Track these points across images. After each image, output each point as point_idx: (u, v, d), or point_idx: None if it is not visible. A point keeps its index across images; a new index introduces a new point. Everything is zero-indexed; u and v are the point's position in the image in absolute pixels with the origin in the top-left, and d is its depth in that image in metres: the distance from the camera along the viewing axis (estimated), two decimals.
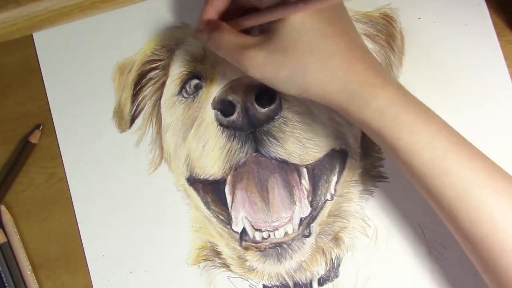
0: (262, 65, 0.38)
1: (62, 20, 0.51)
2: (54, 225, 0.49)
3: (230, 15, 0.42)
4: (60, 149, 0.49)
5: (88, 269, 0.48)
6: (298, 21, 0.37)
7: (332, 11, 0.38)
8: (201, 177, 0.47)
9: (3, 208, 0.49)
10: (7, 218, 0.49)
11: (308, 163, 0.45)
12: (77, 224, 0.48)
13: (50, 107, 0.50)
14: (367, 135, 0.39)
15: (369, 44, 0.47)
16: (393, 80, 0.38)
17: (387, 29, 0.48)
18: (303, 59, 0.37)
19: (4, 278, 0.48)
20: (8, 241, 0.48)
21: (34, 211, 0.49)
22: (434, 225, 0.45)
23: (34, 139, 0.49)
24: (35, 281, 0.48)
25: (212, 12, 0.42)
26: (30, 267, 0.48)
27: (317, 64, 0.37)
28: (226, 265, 0.47)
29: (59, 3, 0.50)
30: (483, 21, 0.47)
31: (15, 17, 0.51)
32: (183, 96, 0.48)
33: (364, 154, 0.47)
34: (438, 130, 0.37)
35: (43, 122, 0.50)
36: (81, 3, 0.50)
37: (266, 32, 0.38)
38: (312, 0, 0.34)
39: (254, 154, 0.45)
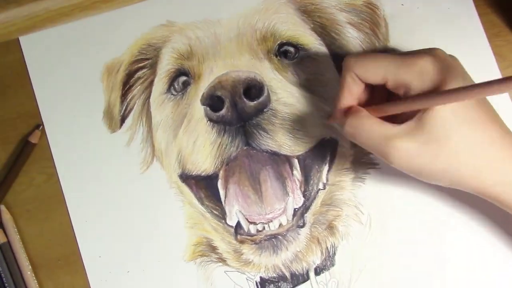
0: (412, 157, 0.36)
1: (62, 20, 0.51)
2: (54, 225, 0.49)
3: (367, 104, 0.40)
4: (52, 152, 0.49)
5: (85, 271, 0.48)
6: (449, 110, 0.35)
7: None
8: (193, 173, 0.47)
9: (3, 208, 0.49)
10: (7, 218, 0.48)
11: (299, 153, 0.46)
12: (67, 217, 0.48)
13: (40, 110, 0.50)
14: None
15: (354, 33, 0.48)
16: None
17: (371, 17, 0.48)
18: (458, 150, 0.35)
19: (4, 278, 0.47)
20: (8, 241, 0.48)
21: (34, 211, 0.49)
22: (427, 207, 0.46)
23: (34, 139, 0.49)
24: (35, 281, 0.48)
25: (350, 98, 0.40)
26: (30, 267, 0.48)
27: (473, 156, 0.35)
28: (222, 260, 0.47)
29: (59, 3, 0.51)
30: (466, 4, 0.47)
31: (15, 17, 0.51)
32: (172, 94, 0.48)
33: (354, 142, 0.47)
34: None
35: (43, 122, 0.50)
36: (81, 3, 0.50)
37: (410, 120, 0.36)
38: (470, 89, 0.32)
39: (245, 148, 0.45)
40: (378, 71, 0.37)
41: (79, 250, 0.48)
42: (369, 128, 0.37)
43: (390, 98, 0.39)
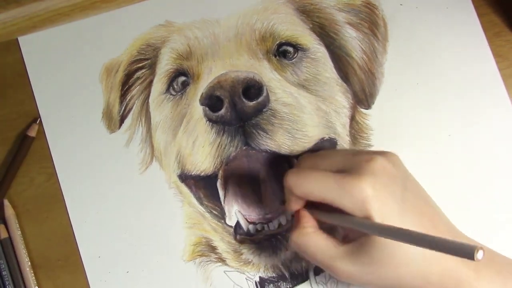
0: (354, 276, 0.37)
1: (63, 20, 0.51)
2: (54, 225, 0.49)
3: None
4: (51, 152, 0.49)
5: (85, 271, 0.48)
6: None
7: (416, 205, 0.38)
8: (192, 173, 0.47)
9: (6, 203, 0.49)
10: (10, 213, 0.48)
11: (298, 153, 0.46)
12: (67, 217, 0.48)
13: (39, 110, 0.50)
14: None
15: (353, 33, 0.48)
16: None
17: (370, 17, 0.48)
18: (401, 272, 0.36)
19: (3, 274, 0.47)
20: (10, 237, 0.48)
21: (34, 211, 0.49)
22: None
23: (32, 132, 0.49)
24: (33, 278, 0.48)
25: (297, 205, 0.41)
26: (29, 263, 0.48)
27: (417, 274, 0.36)
28: (222, 260, 0.47)
29: (59, 3, 0.51)
30: (464, 3, 0.47)
31: (15, 17, 0.51)
32: (171, 94, 0.48)
33: (353, 141, 0.47)
34: None
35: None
36: (81, 3, 0.51)
37: (352, 242, 0.37)
38: (407, 234, 0.32)
39: (244, 148, 0.45)
40: (319, 196, 0.38)
41: (78, 250, 0.48)
42: (314, 247, 0.39)
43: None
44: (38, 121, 0.49)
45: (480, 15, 0.48)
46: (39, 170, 0.49)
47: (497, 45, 0.48)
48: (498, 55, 0.48)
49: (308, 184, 0.39)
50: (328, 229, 0.40)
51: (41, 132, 0.50)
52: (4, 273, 0.48)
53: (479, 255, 0.26)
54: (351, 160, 0.39)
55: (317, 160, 0.41)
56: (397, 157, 0.40)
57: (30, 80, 0.50)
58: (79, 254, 0.48)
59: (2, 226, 0.48)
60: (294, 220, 0.41)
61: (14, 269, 0.48)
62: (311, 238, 0.39)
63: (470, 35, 0.48)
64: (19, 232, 0.48)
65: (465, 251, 0.27)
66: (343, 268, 0.37)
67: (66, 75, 0.50)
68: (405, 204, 0.37)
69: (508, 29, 0.48)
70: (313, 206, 0.40)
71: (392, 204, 0.36)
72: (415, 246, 0.32)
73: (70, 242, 0.48)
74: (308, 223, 0.40)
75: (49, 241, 0.49)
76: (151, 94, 0.49)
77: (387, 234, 0.34)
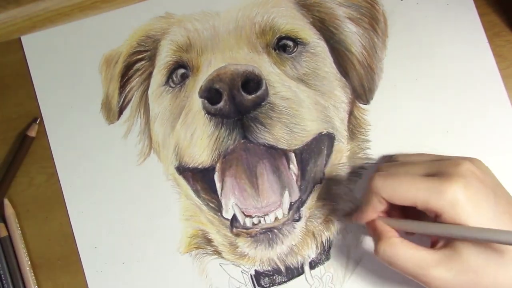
0: (449, 285, 0.36)
1: (62, 20, 0.51)
2: (54, 225, 0.49)
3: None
4: (50, 143, 0.49)
5: (81, 262, 0.48)
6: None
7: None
8: (190, 166, 0.47)
9: (6, 202, 0.49)
10: (10, 213, 0.49)
11: (296, 147, 0.45)
12: (67, 217, 0.48)
13: (39, 102, 0.50)
14: None
15: (353, 28, 0.48)
16: None
17: (370, 12, 0.48)
18: (497, 277, 0.35)
19: (1, 273, 0.48)
20: (10, 236, 0.48)
21: (34, 211, 0.49)
22: None
23: (31, 132, 0.49)
24: (33, 277, 0.48)
25: (373, 214, 0.40)
26: (29, 262, 0.48)
27: (509, 279, 0.35)
28: (217, 252, 0.48)
29: (59, 3, 0.51)
30: (465, 0, 0.47)
31: (15, 17, 0.51)
32: (170, 86, 0.48)
33: (351, 136, 0.47)
34: None
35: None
36: (81, 3, 0.51)
37: (445, 248, 0.37)
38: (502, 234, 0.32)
39: (242, 141, 0.45)
40: (407, 197, 0.37)
41: (77, 248, 0.48)
42: (404, 257, 0.37)
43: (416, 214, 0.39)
44: (38, 121, 0.50)
45: (480, 15, 0.48)
46: (39, 170, 0.50)
47: (497, 45, 0.48)
48: (498, 55, 0.48)
49: (397, 185, 0.38)
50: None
51: (41, 132, 0.50)
52: (2, 273, 0.48)
53: None
54: (437, 165, 0.39)
55: (400, 167, 0.41)
56: (483, 163, 0.40)
57: (32, 79, 0.50)
58: (77, 249, 0.48)
59: (2, 225, 0.48)
60: (373, 231, 0.40)
61: (14, 269, 0.48)
62: (400, 249, 0.37)
63: (470, 32, 0.48)
64: (19, 232, 0.49)
65: None
66: (438, 276, 0.36)
67: (67, 69, 0.50)
68: (498, 208, 0.36)
69: (508, 29, 0.48)
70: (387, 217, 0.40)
71: (486, 208, 0.36)
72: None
73: (70, 242, 0.48)
74: (391, 232, 0.39)
75: (49, 241, 0.49)
76: (150, 86, 0.49)
77: (480, 236, 0.33)
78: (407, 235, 0.39)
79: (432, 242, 0.39)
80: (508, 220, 0.36)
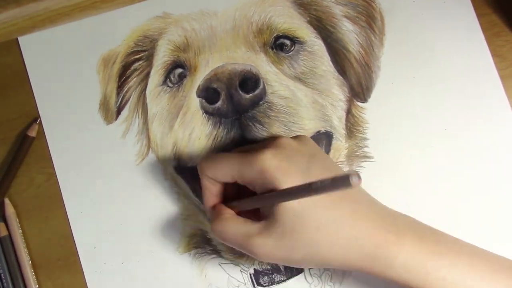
0: (272, 251, 0.38)
1: (62, 20, 0.51)
2: (54, 225, 0.49)
3: (232, 195, 0.43)
4: (48, 144, 0.49)
5: (80, 262, 0.48)
6: (295, 203, 0.36)
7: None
8: (189, 165, 0.47)
9: (7, 201, 0.49)
10: (11, 212, 0.49)
11: None
12: (67, 217, 0.49)
13: (38, 109, 0.50)
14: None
15: (350, 26, 0.48)
16: (404, 221, 0.38)
17: (366, 10, 0.48)
18: (313, 238, 0.37)
19: (1, 273, 0.48)
20: (10, 236, 0.48)
21: (34, 211, 0.49)
22: (419, 200, 0.46)
23: (32, 132, 0.49)
24: (34, 277, 0.48)
25: (213, 197, 0.42)
26: (30, 262, 0.48)
27: (328, 239, 0.37)
28: (217, 252, 0.48)
29: (59, 3, 0.51)
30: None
31: (15, 17, 0.51)
32: (168, 86, 0.48)
33: (349, 135, 0.47)
34: (467, 266, 0.36)
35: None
36: (81, 3, 0.51)
37: (267, 215, 0.38)
38: (309, 189, 0.33)
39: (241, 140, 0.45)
40: (226, 172, 0.40)
41: (74, 242, 0.48)
42: (232, 229, 0.39)
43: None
44: (38, 121, 0.50)
45: (479, 15, 0.48)
46: (39, 170, 0.49)
47: (496, 45, 0.48)
48: (497, 55, 0.48)
49: (217, 163, 0.40)
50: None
51: (41, 132, 0.50)
52: (1, 271, 0.48)
53: (354, 179, 0.27)
54: (261, 143, 0.41)
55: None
56: (308, 138, 0.42)
57: (30, 80, 0.50)
58: (76, 247, 0.48)
59: (2, 224, 0.48)
60: (213, 214, 0.42)
61: (14, 268, 0.48)
62: (229, 222, 0.40)
63: (467, 29, 0.48)
64: (20, 231, 0.49)
65: (342, 181, 0.28)
66: (261, 243, 0.38)
67: (65, 70, 0.50)
68: (310, 172, 0.37)
69: (508, 29, 0.48)
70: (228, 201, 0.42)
71: (295, 173, 0.37)
72: (326, 215, 0.36)
73: (70, 242, 0.48)
74: (226, 210, 0.41)
75: (49, 241, 0.49)
76: (148, 85, 0.49)
77: (284, 197, 0.35)
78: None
79: (261, 217, 0.40)
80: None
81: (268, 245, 0.37)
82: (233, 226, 0.39)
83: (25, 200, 0.49)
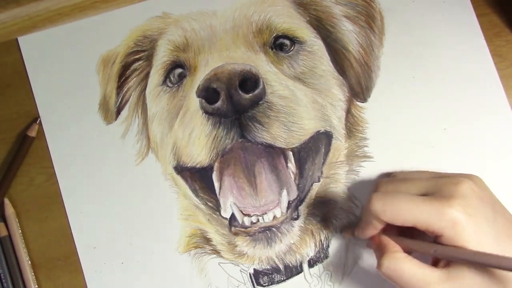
0: None
1: (62, 20, 0.51)
2: (54, 225, 0.49)
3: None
4: (48, 144, 0.49)
5: (80, 262, 0.48)
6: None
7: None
8: (188, 165, 0.47)
9: (7, 201, 0.49)
10: (10, 212, 0.49)
11: (294, 146, 0.45)
12: (67, 217, 0.49)
13: (37, 103, 0.50)
14: None
15: (349, 26, 0.48)
16: None
17: (366, 10, 0.48)
18: None
19: (1, 274, 0.48)
20: (10, 236, 0.49)
21: (34, 211, 0.49)
22: None
23: (32, 132, 0.49)
24: (34, 277, 0.48)
25: (374, 231, 0.40)
26: (29, 262, 0.48)
27: None
28: (216, 252, 0.48)
29: (59, 3, 0.51)
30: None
31: (15, 17, 0.51)
32: (168, 86, 0.48)
33: (349, 135, 0.47)
34: None
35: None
36: (81, 3, 0.51)
37: (448, 267, 0.37)
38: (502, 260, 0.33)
39: (240, 140, 0.45)
40: (408, 219, 0.37)
41: (74, 242, 0.48)
42: (409, 272, 0.37)
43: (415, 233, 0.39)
44: (38, 121, 0.50)
45: (479, 15, 0.48)
46: (39, 170, 0.50)
47: (496, 45, 0.48)
48: (497, 55, 0.48)
49: (397, 208, 0.38)
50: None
51: (41, 132, 0.50)
52: (1, 271, 0.48)
53: None
54: (436, 183, 0.39)
55: (399, 185, 0.41)
56: (482, 180, 0.40)
57: (30, 80, 0.50)
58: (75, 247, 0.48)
59: (2, 224, 0.48)
60: (377, 246, 0.40)
61: (14, 268, 0.48)
62: (405, 264, 0.38)
63: (466, 29, 0.48)
64: (20, 231, 0.49)
65: None
66: None
67: (64, 70, 0.50)
68: (498, 226, 0.37)
69: (508, 29, 0.48)
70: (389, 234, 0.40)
71: (486, 228, 0.36)
72: None
73: (69, 242, 0.48)
74: (396, 247, 0.39)
75: (49, 241, 0.49)
76: (148, 86, 0.49)
77: (482, 261, 0.34)
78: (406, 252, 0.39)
79: (433, 260, 0.39)
80: (507, 239, 0.37)
81: None
82: (409, 268, 0.37)
83: (25, 200, 0.49)
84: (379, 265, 0.38)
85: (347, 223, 0.47)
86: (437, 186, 0.38)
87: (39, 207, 0.49)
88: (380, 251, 0.39)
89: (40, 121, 0.50)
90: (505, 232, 0.37)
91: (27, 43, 0.51)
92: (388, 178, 0.43)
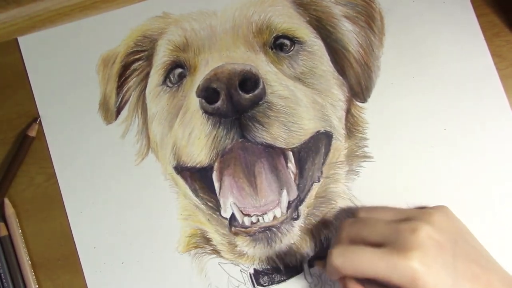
0: None
1: (62, 20, 0.51)
2: (54, 225, 0.49)
3: None
4: (48, 144, 0.49)
5: (80, 262, 0.48)
6: None
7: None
8: (188, 165, 0.47)
9: (7, 201, 0.49)
10: (10, 212, 0.49)
11: (294, 146, 0.45)
12: (67, 217, 0.49)
13: (36, 102, 0.50)
14: None
15: (349, 26, 0.48)
16: None
17: (366, 10, 0.48)
18: None
19: (1, 273, 0.48)
20: (10, 236, 0.49)
21: (34, 211, 0.49)
22: (419, 200, 0.46)
23: (32, 132, 0.49)
24: (34, 277, 0.48)
25: (339, 277, 0.41)
26: (29, 262, 0.48)
27: None
28: (216, 251, 0.48)
29: (59, 3, 0.51)
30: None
31: (15, 17, 0.51)
32: (168, 86, 0.48)
33: (349, 135, 0.47)
34: None
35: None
36: (81, 3, 0.51)
37: None
38: None
39: (240, 140, 0.45)
40: (369, 274, 0.38)
41: (74, 242, 0.48)
42: None
43: None
44: (38, 121, 0.50)
45: (479, 15, 0.48)
46: (39, 170, 0.50)
47: (496, 45, 0.48)
48: (497, 55, 0.48)
49: (357, 263, 0.39)
50: None
51: (41, 132, 0.50)
52: (2, 273, 0.48)
53: None
54: (396, 229, 0.39)
55: (359, 229, 0.41)
56: (448, 212, 0.41)
57: (30, 80, 0.50)
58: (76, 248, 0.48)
59: (2, 224, 0.48)
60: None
61: (14, 268, 0.48)
62: None
63: (466, 29, 0.48)
64: (20, 231, 0.49)
65: None
66: None
67: (64, 69, 0.50)
68: (458, 272, 0.37)
69: (507, 29, 0.48)
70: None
71: (444, 277, 0.37)
72: None
73: (70, 242, 0.49)
74: None
75: (49, 241, 0.49)
76: (148, 85, 0.49)
77: None
78: None
79: None
80: (466, 283, 0.37)
81: None
82: None
83: (25, 200, 0.49)
84: None
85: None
86: (396, 234, 0.39)
87: (39, 207, 0.49)
88: None
89: (40, 121, 0.50)
90: (465, 276, 0.38)
91: (27, 43, 0.51)
92: (351, 219, 0.43)
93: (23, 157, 0.49)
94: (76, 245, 0.48)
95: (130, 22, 0.50)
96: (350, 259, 0.39)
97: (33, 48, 0.51)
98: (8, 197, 0.49)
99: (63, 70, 0.50)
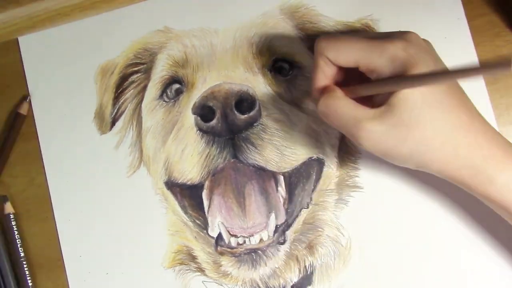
0: (380, 140, 0.36)
1: (62, 20, 0.51)
2: (54, 225, 0.49)
3: (342, 83, 0.40)
4: (41, 150, 0.50)
5: (65, 270, 0.48)
6: (419, 95, 0.35)
7: None
8: (179, 181, 0.47)
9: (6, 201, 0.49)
10: (10, 212, 0.49)
11: (285, 170, 0.46)
12: (55, 224, 0.49)
13: (32, 105, 0.50)
14: (492, 208, 0.38)
15: None
16: (506, 141, 0.38)
17: None
18: (425, 134, 0.35)
19: (1, 273, 0.48)
20: (9, 236, 0.49)
21: (34, 211, 0.49)
22: (409, 234, 0.46)
23: (23, 110, 0.50)
24: (33, 277, 0.48)
25: (325, 79, 0.40)
26: (29, 262, 0.49)
27: (440, 139, 0.36)
28: (201, 270, 0.48)
29: (59, 3, 0.51)
30: (462, 35, 0.47)
31: (15, 17, 0.51)
32: (164, 100, 0.48)
33: (341, 163, 0.47)
34: None
35: None
36: (81, 3, 0.51)
37: (381, 104, 0.36)
38: (438, 74, 0.33)
39: (232, 160, 0.45)
40: (350, 56, 0.38)
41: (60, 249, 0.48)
42: (342, 109, 0.37)
43: (364, 80, 0.39)
44: (28, 99, 0.50)
45: (479, 15, 0.47)
46: (39, 170, 0.50)
47: (497, 45, 0.47)
48: (497, 56, 0.47)
49: (340, 45, 0.38)
50: None
51: (35, 133, 0.50)
52: (1, 271, 0.48)
53: None
54: (384, 33, 0.39)
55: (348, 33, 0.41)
56: (417, 34, 0.39)
57: (26, 80, 0.50)
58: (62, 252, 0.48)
59: (2, 224, 0.49)
60: (322, 92, 0.40)
61: (13, 268, 0.48)
62: (340, 101, 0.38)
63: (453, 19, 0.47)
64: (19, 231, 0.49)
65: (500, 63, 0.27)
66: (370, 128, 0.36)
67: (62, 74, 0.50)
68: (438, 64, 0.37)
69: (508, 29, 0.47)
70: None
71: (427, 61, 0.36)
72: (444, 116, 0.34)
73: None
74: (337, 90, 0.39)
75: (49, 241, 0.49)
76: (144, 99, 0.49)
77: (414, 82, 0.34)
78: None
79: (374, 103, 0.38)
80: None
81: (378, 132, 0.36)
82: (343, 106, 0.37)
83: (25, 200, 0.50)
84: (317, 105, 0.39)
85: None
86: (384, 34, 0.39)
87: (39, 207, 0.49)
88: (322, 94, 0.39)
89: (33, 124, 0.50)
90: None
91: (27, 43, 0.51)
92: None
93: (16, 136, 0.50)
94: (62, 253, 0.48)
95: (131, 33, 0.50)
96: (334, 41, 0.38)
97: (33, 48, 0.51)
98: (9, 198, 0.49)
99: (61, 73, 0.50)
